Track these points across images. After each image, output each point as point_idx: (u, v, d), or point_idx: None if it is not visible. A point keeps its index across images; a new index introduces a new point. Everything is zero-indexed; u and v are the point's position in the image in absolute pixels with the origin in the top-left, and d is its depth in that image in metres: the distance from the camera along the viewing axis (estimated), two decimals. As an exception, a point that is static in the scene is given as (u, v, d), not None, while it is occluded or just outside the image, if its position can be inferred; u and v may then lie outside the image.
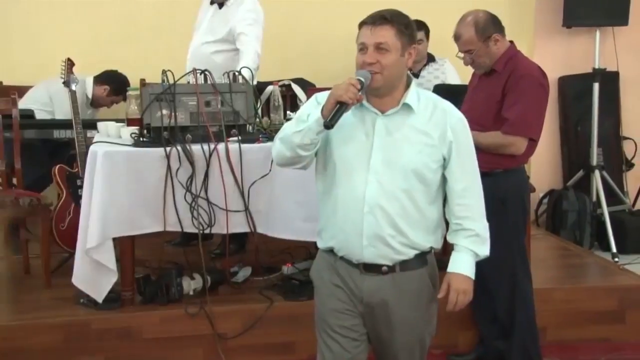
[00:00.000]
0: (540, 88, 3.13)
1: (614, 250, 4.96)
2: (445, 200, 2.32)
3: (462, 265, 2.27)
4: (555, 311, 3.56)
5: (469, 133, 2.30)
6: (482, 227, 2.31)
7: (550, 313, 3.48)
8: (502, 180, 3.13)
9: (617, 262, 4.77)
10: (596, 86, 5.32)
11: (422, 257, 2.28)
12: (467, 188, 2.27)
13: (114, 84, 4.72)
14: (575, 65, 5.55)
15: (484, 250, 2.30)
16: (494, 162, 3.10)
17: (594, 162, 5.33)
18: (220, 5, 4.16)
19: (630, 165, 5.68)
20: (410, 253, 2.25)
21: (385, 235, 2.19)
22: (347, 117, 2.18)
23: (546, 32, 5.54)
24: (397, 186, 2.19)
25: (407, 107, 2.21)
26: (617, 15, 5.25)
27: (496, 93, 3.13)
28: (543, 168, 5.52)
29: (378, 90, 2.19)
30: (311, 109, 2.23)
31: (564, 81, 5.51)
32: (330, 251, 2.31)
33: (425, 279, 2.30)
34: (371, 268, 2.24)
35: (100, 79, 4.73)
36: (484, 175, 3.11)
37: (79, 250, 3.23)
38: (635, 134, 5.69)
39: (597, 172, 5.28)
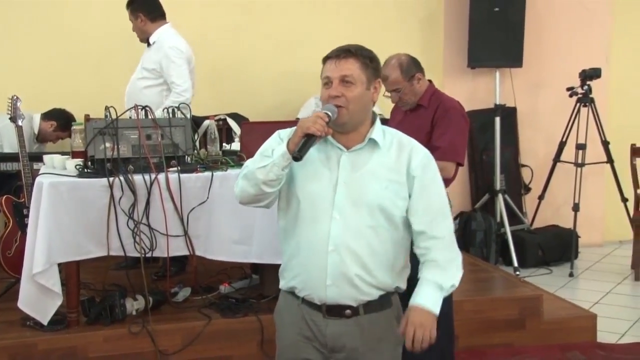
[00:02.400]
0: (463, 119, 3.23)
1: (516, 264, 5.12)
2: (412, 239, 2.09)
3: (423, 297, 1.97)
4: (465, 321, 3.61)
5: (435, 168, 2.08)
6: (448, 258, 2.04)
7: (461, 322, 3.51)
8: None
9: (518, 275, 4.93)
10: (497, 120, 5.53)
11: (386, 298, 2.06)
12: (433, 221, 2.02)
13: (60, 120, 4.63)
14: (479, 101, 5.74)
15: (452, 280, 2.01)
16: None
17: (498, 186, 5.51)
18: (149, 44, 4.21)
19: (527, 190, 5.90)
20: (375, 294, 2.03)
21: (352, 275, 1.97)
22: (312, 153, 1.98)
23: (453, 72, 5.73)
24: (363, 223, 1.97)
25: (373, 142, 2.02)
26: (513, 58, 5.50)
27: (425, 125, 3.19)
28: (454, 192, 5.64)
29: (344, 126, 2.00)
30: (274, 145, 2.03)
31: (469, 115, 5.48)
32: (292, 293, 2.09)
33: (391, 321, 2.08)
34: (334, 311, 2.01)
35: (47, 116, 4.64)
36: None
37: (24, 275, 3.13)
38: (532, 162, 5.92)
39: (500, 196, 5.46)
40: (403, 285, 2.11)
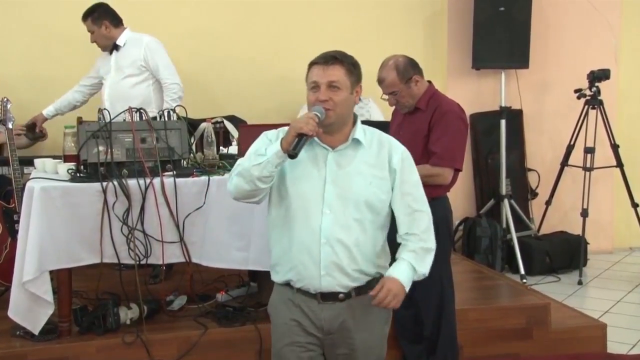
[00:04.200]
0: (461, 122, 3.21)
1: (522, 272, 5.13)
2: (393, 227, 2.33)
3: (400, 272, 2.23)
4: (470, 330, 3.61)
5: (412, 162, 2.33)
6: (426, 247, 2.29)
7: (465, 332, 3.52)
8: (430, 208, 3.18)
9: (525, 283, 4.93)
10: (503, 122, 5.53)
11: (373, 283, 2.26)
12: (415, 212, 2.28)
13: None
14: (484, 104, 5.76)
15: (423, 268, 2.28)
16: None
17: (503, 191, 5.51)
18: (118, 48, 4.40)
19: (534, 194, 5.90)
20: (363, 280, 2.27)
21: (342, 264, 2.21)
22: (300, 154, 2.17)
23: (457, 74, 5.74)
24: (351, 217, 2.20)
25: (356, 141, 2.24)
26: (519, 59, 5.50)
27: (423, 129, 3.18)
28: (458, 197, 5.67)
29: (330, 127, 2.21)
30: (264, 145, 2.23)
31: (474, 118, 5.71)
32: (287, 284, 2.30)
33: None
34: (328, 297, 2.24)
35: None
36: None
37: (15, 283, 3.13)
38: (538, 166, 5.92)
39: (506, 201, 5.46)
40: (384, 272, 2.31)
